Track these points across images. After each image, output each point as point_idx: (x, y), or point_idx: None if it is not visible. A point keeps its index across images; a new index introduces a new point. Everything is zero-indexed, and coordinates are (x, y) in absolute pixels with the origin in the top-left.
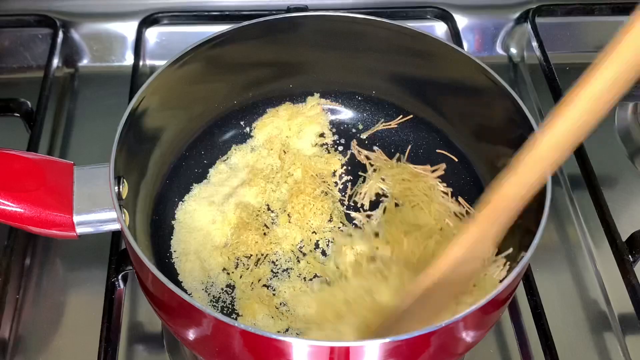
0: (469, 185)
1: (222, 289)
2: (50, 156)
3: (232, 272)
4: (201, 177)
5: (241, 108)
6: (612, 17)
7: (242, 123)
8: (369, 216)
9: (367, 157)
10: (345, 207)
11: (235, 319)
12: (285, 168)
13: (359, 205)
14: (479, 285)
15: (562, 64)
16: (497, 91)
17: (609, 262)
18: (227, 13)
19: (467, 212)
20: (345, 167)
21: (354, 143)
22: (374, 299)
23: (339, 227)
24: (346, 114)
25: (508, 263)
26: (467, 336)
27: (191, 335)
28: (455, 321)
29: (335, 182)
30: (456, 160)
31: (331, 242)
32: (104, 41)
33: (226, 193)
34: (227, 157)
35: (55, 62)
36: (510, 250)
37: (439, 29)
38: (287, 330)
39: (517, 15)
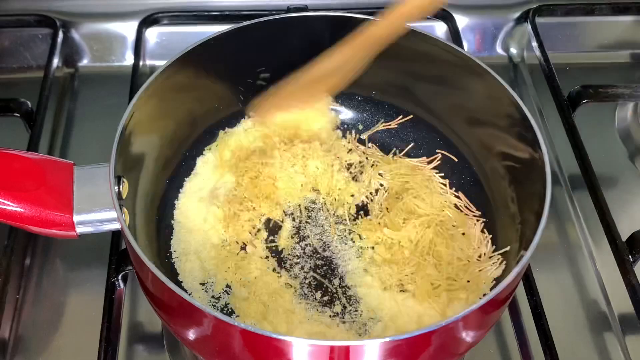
0: (469, 185)
1: (222, 289)
2: (50, 156)
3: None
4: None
5: (241, 108)
6: (612, 17)
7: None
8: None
9: (364, 152)
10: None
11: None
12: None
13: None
14: (473, 281)
15: (562, 64)
16: (496, 91)
17: (609, 262)
18: (227, 13)
19: (465, 206)
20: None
21: (350, 137)
22: None
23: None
24: (346, 114)
25: (504, 262)
26: (467, 336)
27: (191, 335)
28: (455, 321)
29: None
30: (456, 160)
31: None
32: (104, 41)
33: (211, 187)
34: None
35: (55, 62)
36: (508, 247)
37: (439, 29)
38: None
39: (517, 15)
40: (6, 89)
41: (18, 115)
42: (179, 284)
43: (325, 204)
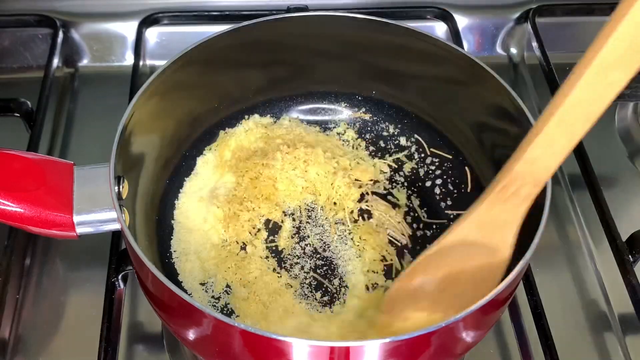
0: (468, 185)
1: (222, 289)
2: (50, 156)
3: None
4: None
5: (241, 109)
6: None
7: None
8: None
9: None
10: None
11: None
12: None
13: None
14: None
15: (562, 64)
16: (497, 91)
17: (609, 262)
18: (227, 13)
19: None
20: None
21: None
22: None
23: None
24: (346, 113)
25: None
26: (467, 336)
27: (191, 335)
28: (455, 321)
29: None
30: (456, 160)
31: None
32: (104, 41)
33: (211, 187)
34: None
35: (55, 62)
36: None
37: (439, 29)
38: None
39: (517, 15)
40: (6, 89)
41: (18, 115)
42: (178, 284)
43: (324, 207)
